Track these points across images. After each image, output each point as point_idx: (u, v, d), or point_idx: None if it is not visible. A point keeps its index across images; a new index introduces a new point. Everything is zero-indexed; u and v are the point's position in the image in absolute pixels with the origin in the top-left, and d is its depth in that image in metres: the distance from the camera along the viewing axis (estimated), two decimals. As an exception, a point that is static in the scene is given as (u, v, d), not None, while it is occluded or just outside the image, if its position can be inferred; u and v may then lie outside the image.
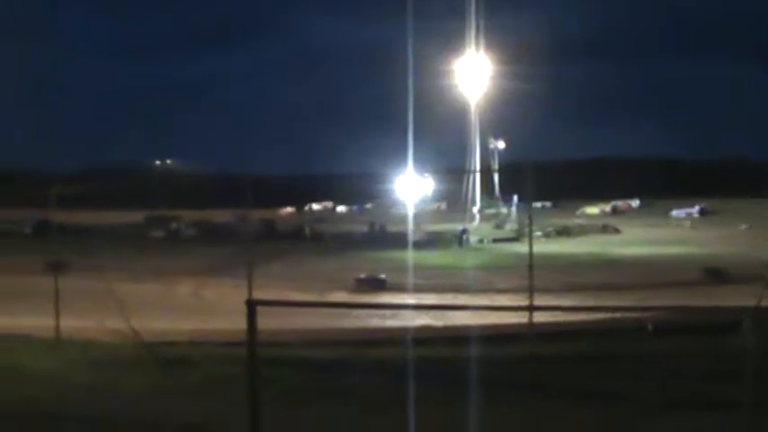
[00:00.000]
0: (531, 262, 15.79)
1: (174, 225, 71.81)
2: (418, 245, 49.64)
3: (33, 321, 18.07)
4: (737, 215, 70.06)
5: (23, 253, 41.46)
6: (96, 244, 45.79)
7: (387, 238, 58.59)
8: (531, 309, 14.01)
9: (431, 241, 57.37)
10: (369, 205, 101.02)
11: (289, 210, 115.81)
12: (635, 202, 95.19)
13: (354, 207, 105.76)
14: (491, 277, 33.86)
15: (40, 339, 15.84)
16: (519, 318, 15.75)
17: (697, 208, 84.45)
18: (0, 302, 21.59)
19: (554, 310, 16.46)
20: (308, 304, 9.06)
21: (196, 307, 21.96)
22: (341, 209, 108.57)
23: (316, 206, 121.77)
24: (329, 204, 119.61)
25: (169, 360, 12.98)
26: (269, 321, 8.23)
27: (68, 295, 16.32)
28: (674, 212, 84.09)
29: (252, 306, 5.85)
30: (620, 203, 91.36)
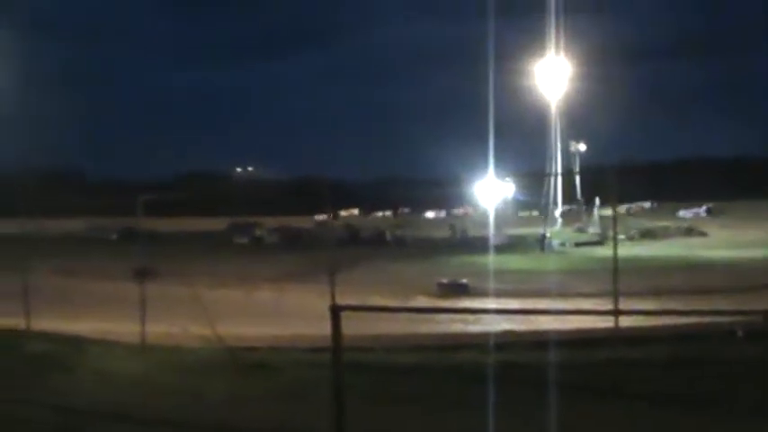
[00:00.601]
0: (616, 265, 15.36)
1: (257, 231, 72.80)
2: (500, 249, 49.19)
3: (121, 327, 18.47)
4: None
5: (111, 259, 42.72)
6: (182, 250, 46.89)
7: (468, 242, 58.25)
8: (616, 313, 13.58)
9: (512, 245, 56.80)
10: (456, 210, 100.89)
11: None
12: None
13: (442, 212, 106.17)
14: (574, 281, 33.23)
15: (127, 344, 16.15)
16: (603, 322, 15.35)
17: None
18: (89, 308, 22.21)
19: (640, 314, 15.96)
20: (391, 309, 8.97)
21: (279, 312, 22.09)
22: (429, 214, 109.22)
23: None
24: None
25: (252, 365, 13.05)
26: (352, 326, 8.17)
27: (155, 301, 16.60)
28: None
29: (336, 311, 5.77)
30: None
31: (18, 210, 19.85)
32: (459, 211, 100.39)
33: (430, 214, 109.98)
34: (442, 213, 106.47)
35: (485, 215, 65.46)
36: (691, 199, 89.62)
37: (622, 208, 78.71)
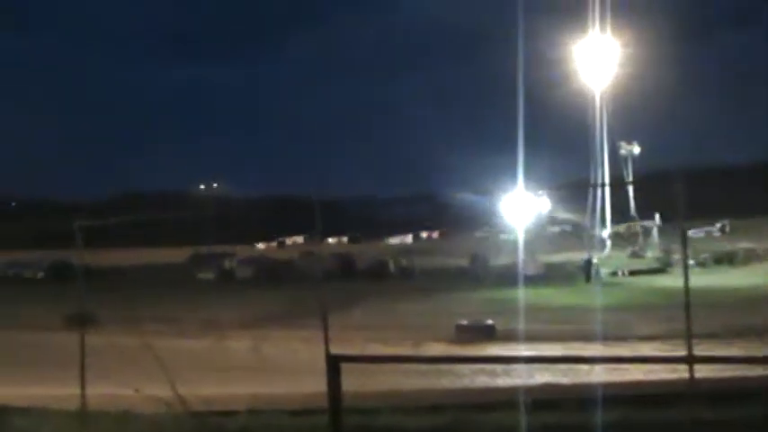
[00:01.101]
0: (688, 298, 15.26)
1: (225, 263, 72.77)
2: (533, 281, 49.11)
3: (54, 390, 18.35)
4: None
5: (38, 303, 42.66)
6: (131, 290, 46.80)
7: (492, 272, 58.16)
8: (689, 360, 13.46)
9: (549, 276, 56.73)
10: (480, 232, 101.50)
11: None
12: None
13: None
14: (631, 320, 33.11)
15: (63, 412, 16.02)
16: (673, 373, 15.22)
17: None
18: (12, 367, 22.06)
19: (721, 362, 15.79)
20: (402, 359, 8.85)
21: (256, 366, 21.99)
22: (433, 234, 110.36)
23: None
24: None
25: (225, 434, 12.94)
26: (351, 382, 8.05)
27: (97, 356, 16.47)
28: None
29: (334, 363, 5.66)
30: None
31: None
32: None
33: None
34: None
35: (512, 238, 65.49)
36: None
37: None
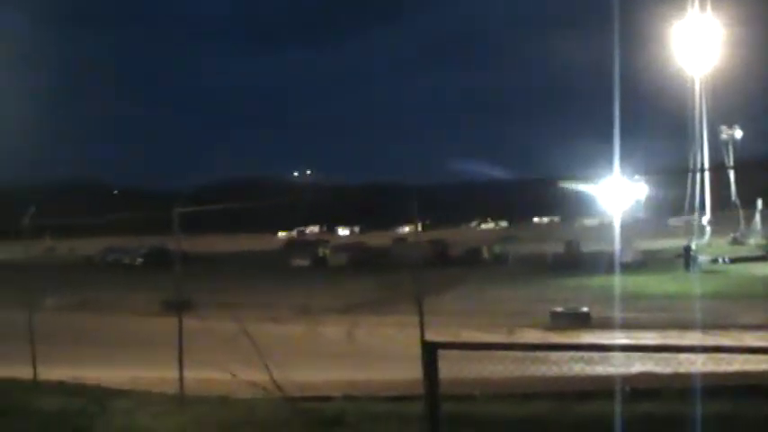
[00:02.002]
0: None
1: (320, 251, 73.23)
2: (629, 268, 48.34)
3: (153, 373, 18.71)
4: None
5: (137, 289, 43.56)
6: (227, 276, 47.46)
7: (587, 259, 57.42)
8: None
9: (646, 263, 55.78)
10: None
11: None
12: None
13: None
14: (732, 309, 32.32)
15: (162, 396, 16.29)
16: (774, 363, 14.79)
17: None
18: (112, 350, 22.53)
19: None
20: (498, 346, 8.73)
21: (351, 352, 22.08)
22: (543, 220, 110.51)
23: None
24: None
25: (322, 420, 12.96)
26: (444, 368, 7.98)
27: (194, 340, 16.70)
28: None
29: (431, 349, 5.57)
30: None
31: (24, 231, 20.28)
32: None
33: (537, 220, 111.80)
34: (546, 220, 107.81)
35: (607, 224, 64.54)
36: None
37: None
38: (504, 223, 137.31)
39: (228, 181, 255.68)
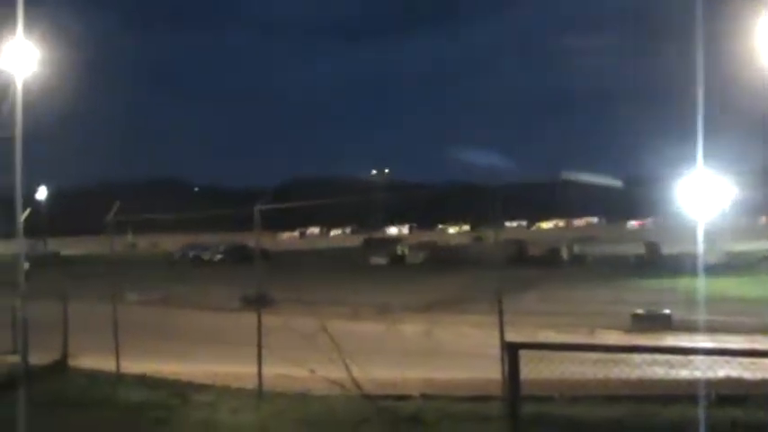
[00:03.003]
0: None
1: (398, 249, 73.26)
2: (714, 270, 47.43)
3: (232, 368, 18.87)
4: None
5: (217, 284, 44.07)
6: (305, 273, 47.72)
7: (669, 261, 56.54)
8: None
9: (731, 265, 54.68)
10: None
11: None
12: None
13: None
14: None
15: (241, 391, 16.43)
16: None
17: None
18: (192, 345, 22.79)
19: None
20: (580, 347, 8.60)
21: (429, 351, 21.99)
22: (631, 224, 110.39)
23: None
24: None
25: (400, 419, 12.94)
26: (522, 369, 7.89)
27: (273, 336, 16.80)
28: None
29: (513, 350, 5.49)
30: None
31: (108, 227, 20.65)
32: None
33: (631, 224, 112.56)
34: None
35: (689, 225, 63.36)
36: None
37: None
38: (594, 219, 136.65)
39: (308, 178, 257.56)
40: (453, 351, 21.48)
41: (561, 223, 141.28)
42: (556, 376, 14.34)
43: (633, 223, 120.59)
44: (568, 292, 39.26)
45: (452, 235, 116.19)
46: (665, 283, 43.09)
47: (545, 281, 42.99)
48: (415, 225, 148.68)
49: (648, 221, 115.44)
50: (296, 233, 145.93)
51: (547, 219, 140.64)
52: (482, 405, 13.43)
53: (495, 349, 13.59)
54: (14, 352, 19.59)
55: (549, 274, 48.25)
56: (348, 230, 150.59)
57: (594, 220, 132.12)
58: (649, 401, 13.94)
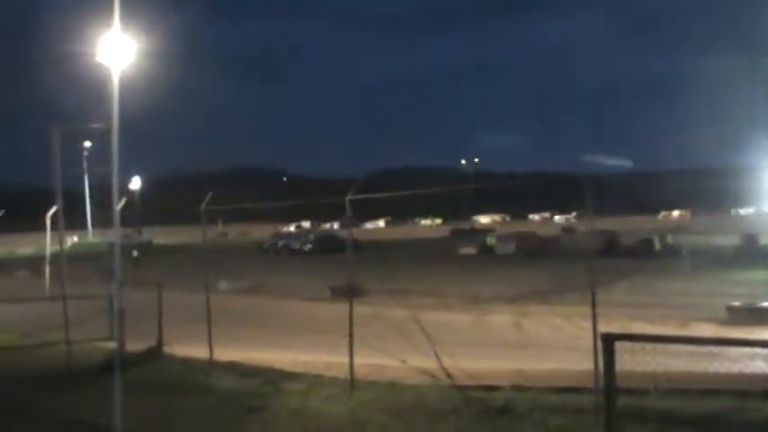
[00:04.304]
0: None
1: (487, 239, 72.97)
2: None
3: (322, 357, 19.06)
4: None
5: (306, 274, 44.48)
6: (394, 263, 47.85)
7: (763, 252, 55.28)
8: None
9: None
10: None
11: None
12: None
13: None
14: None
15: (332, 380, 16.58)
16: None
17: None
18: (284, 334, 23.04)
19: None
20: (678, 339, 8.48)
21: (519, 342, 21.92)
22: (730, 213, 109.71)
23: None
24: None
25: (492, 409, 12.93)
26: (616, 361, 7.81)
27: (363, 326, 16.92)
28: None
29: (609, 341, 5.45)
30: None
31: (201, 215, 21.03)
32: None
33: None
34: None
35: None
36: None
37: None
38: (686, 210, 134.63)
39: (397, 169, 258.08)
40: (543, 342, 21.36)
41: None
42: (650, 369, 14.16)
43: (732, 213, 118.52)
44: (661, 284, 38.64)
45: (541, 225, 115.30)
46: (764, 274, 42.13)
47: (637, 272, 42.39)
48: (505, 215, 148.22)
49: (745, 211, 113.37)
50: (381, 223, 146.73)
51: (639, 209, 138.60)
52: (574, 397, 13.33)
53: (585, 341, 13.47)
54: (112, 338, 20.18)
55: (642, 265, 47.55)
56: (436, 221, 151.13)
57: (687, 211, 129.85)
58: (749, 396, 13.64)
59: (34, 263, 51.29)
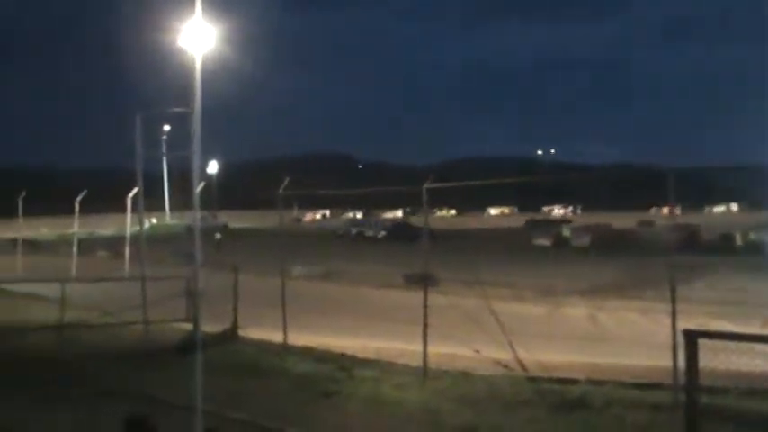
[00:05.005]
0: None
1: (562, 231, 72.33)
2: None
3: (395, 344, 19.13)
4: None
5: (379, 262, 44.61)
6: (469, 252, 47.76)
7: None
8: None
9: None
10: None
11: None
12: None
13: None
14: None
15: (404, 367, 16.64)
16: None
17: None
18: (356, 321, 23.17)
19: None
20: (762, 339, 8.30)
21: (593, 335, 21.71)
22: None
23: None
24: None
25: (566, 402, 12.86)
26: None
27: (436, 315, 16.94)
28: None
29: (692, 339, 5.39)
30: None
31: (277, 201, 21.22)
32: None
33: None
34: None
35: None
36: None
37: None
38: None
39: (472, 157, 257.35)
40: (618, 337, 21.13)
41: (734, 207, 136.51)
42: (734, 368, 13.92)
43: None
44: (742, 281, 37.96)
45: (618, 218, 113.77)
46: None
47: (718, 268, 41.68)
48: (581, 207, 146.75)
49: None
50: (453, 211, 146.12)
51: (720, 203, 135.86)
52: (651, 392, 13.20)
53: (662, 337, 13.33)
54: (189, 320, 20.53)
55: (722, 261, 46.71)
56: (506, 210, 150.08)
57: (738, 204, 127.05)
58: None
59: (114, 243, 52.30)
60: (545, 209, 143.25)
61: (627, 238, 65.26)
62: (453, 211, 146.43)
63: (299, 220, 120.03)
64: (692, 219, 71.97)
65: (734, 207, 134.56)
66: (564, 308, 27.96)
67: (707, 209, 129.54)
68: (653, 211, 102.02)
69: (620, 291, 32.45)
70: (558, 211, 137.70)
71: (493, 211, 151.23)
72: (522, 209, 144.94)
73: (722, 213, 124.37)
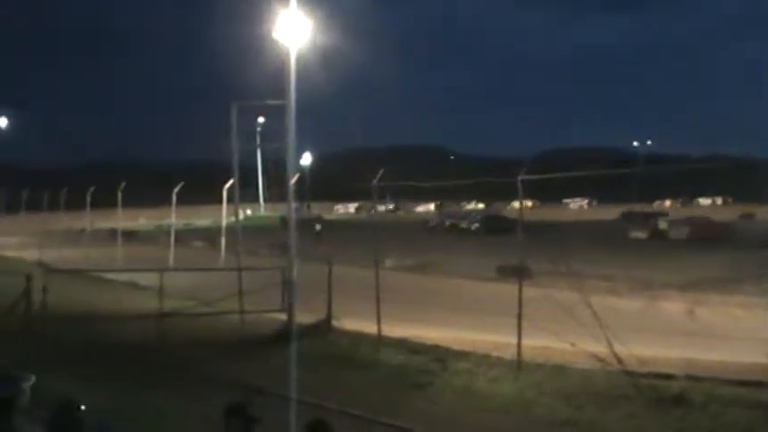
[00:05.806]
0: None
1: (659, 223, 71.07)
2: None
3: (488, 336, 19.07)
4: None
5: (472, 254, 44.43)
6: (563, 245, 47.31)
7: None
8: None
9: None
10: None
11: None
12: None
13: None
14: None
15: (499, 360, 16.59)
16: None
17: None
18: (450, 313, 23.15)
19: None
20: None
21: (692, 331, 21.32)
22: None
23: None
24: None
25: (664, 398, 12.70)
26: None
27: (531, 308, 16.85)
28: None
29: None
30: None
31: (372, 191, 21.32)
32: None
33: None
34: None
35: None
36: None
37: None
38: None
39: (568, 149, 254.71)
40: (718, 332, 20.72)
41: None
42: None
43: None
44: None
45: (715, 210, 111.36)
46: None
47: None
48: (679, 199, 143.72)
49: None
50: (529, 203, 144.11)
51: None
52: (753, 391, 12.96)
53: (765, 333, 13.07)
54: (284, 310, 20.79)
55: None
56: (594, 202, 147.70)
57: None
58: None
59: (209, 234, 53.13)
60: (657, 202, 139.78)
61: (727, 230, 63.93)
62: (530, 203, 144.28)
63: (393, 211, 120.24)
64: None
65: None
66: (661, 302, 27.53)
67: None
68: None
69: (720, 285, 31.81)
70: (657, 204, 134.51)
71: (572, 205, 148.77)
72: (603, 201, 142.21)
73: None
